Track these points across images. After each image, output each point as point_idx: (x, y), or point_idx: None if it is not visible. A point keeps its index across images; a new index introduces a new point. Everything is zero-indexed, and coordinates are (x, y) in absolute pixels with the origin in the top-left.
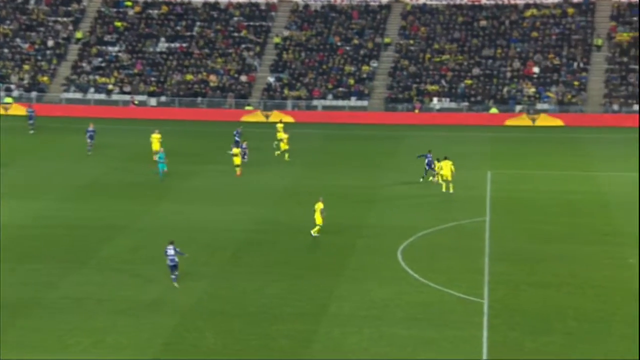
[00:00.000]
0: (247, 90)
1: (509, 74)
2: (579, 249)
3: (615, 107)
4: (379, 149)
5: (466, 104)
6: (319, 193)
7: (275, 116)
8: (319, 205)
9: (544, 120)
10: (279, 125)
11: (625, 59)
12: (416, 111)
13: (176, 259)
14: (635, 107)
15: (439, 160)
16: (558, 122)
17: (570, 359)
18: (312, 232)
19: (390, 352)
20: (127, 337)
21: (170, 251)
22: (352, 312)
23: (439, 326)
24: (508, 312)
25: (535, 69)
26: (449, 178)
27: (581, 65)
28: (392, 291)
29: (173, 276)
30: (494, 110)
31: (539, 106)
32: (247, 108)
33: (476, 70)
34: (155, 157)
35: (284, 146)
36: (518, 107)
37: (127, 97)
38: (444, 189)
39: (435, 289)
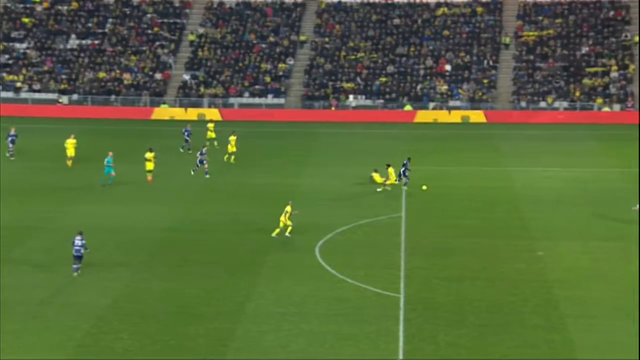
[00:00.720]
0: (162, 88)
1: (422, 72)
2: (491, 242)
3: (523, 104)
4: (296, 146)
5: (381, 101)
6: (235, 191)
7: (192, 113)
8: (289, 208)
9: (456, 117)
10: (210, 125)
11: (531, 57)
12: (332, 108)
13: (82, 251)
14: (542, 103)
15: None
16: (472, 119)
17: (484, 349)
18: (286, 233)
19: (308, 348)
20: (40, 338)
21: (78, 242)
22: (270, 309)
23: (357, 322)
24: (423, 305)
25: (447, 67)
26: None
27: (490, 63)
28: (310, 288)
29: (75, 266)
30: (408, 107)
31: (452, 103)
32: (163, 106)
33: (390, 68)
34: (70, 163)
35: (231, 148)
36: (431, 104)
37: (36, 95)
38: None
39: (352, 284)
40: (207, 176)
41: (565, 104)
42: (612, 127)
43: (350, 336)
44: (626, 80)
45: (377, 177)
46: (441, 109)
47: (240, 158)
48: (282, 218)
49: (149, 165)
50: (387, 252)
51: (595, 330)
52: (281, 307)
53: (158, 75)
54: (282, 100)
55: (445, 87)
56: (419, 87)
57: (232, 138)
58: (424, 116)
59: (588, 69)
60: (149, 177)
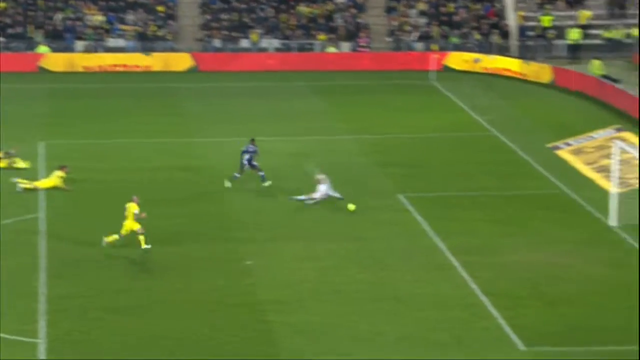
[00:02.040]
0: None
1: None
2: (179, 251)
3: (217, 43)
4: None
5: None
6: None
7: None
8: (133, 207)
9: (115, 61)
10: None
11: None
12: None
13: None
14: (244, 42)
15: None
16: (140, 64)
17: None
18: (106, 239)
19: None
20: None
21: None
22: None
23: None
24: (74, 351)
25: None
26: None
27: None
28: None
29: None
30: (42, 48)
31: (111, 43)
32: None
33: None
34: None
35: None
36: (80, 44)
37: None
38: None
39: None
40: None
41: (276, 42)
42: (341, 76)
43: None
44: (357, 8)
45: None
46: (95, 50)
47: None
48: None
49: None
50: (19, 273)
51: None
52: None
53: None
54: None
55: (100, 17)
56: (56, 16)
57: None
58: (63, 62)
59: None
60: None
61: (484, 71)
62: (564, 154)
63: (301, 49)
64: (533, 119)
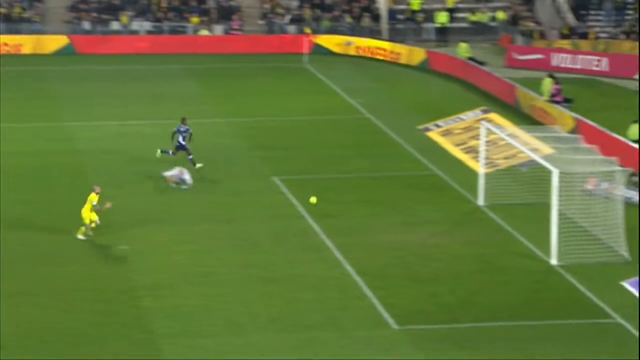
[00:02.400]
0: None
1: None
2: (49, 239)
3: (87, 25)
4: None
5: None
6: None
7: None
8: (92, 198)
9: None
10: None
11: None
12: None
13: None
14: (115, 24)
15: None
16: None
17: None
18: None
19: None
20: None
21: None
22: None
23: None
24: None
25: None
26: None
27: None
28: None
29: None
30: None
31: None
32: None
33: None
34: None
35: None
36: None
37: None
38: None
39: None
40: None
41: (147, 25)
42: (214, 59)
43: None
44: None
45: None
46: None
47: None
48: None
49: None
50: None
51: (200, 354)
52: None
53: None
54: None
55: None
56: None
57: None
58: None
59: None
60: None
61: (356, 54)
62: (434, 135)
63: (173, 31)
64: (404, 101)
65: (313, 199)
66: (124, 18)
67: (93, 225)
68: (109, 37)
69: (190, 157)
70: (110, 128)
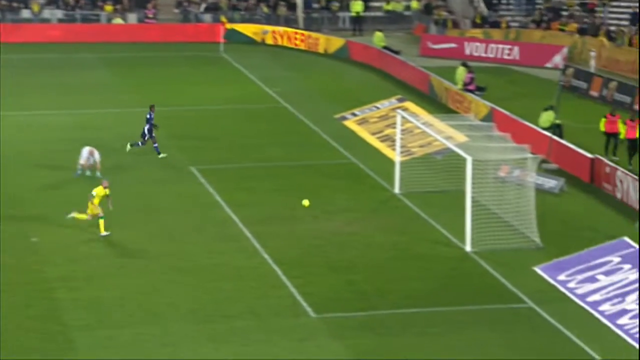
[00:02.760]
0: None
1: None
2: None
3: None
4: None
5: None
6: None
7: None
8: (101, 191)
9: None
10: None
11: None
12: None
13: None
14: (26, 12)
15: None
16: None
17: None
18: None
19: None
20: None
21: None
22: None
23: None
24: None
25: None
26: None
27: None
28: None
29: None
30: None
31: None
32: None
33: None
34: None
35: None
36: None
37: None
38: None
39: None
40: None
41: (59, 13)
42: (129, 47)
43: None
44: None
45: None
46: None
47: None
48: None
49: None
50: None
51: (116, 345)
52: None
53: None
54: None
55: None
56: None
57: None
58: None
59: None
60: None
61: (273, 43)
62: (351, 124)
63: (86, 20)
64: (320, 90)
65: (306, 202)
66: (35, 6)
67: (87, 217)
68: (19, 25)
69: (156, 145)
70: (19, 118)
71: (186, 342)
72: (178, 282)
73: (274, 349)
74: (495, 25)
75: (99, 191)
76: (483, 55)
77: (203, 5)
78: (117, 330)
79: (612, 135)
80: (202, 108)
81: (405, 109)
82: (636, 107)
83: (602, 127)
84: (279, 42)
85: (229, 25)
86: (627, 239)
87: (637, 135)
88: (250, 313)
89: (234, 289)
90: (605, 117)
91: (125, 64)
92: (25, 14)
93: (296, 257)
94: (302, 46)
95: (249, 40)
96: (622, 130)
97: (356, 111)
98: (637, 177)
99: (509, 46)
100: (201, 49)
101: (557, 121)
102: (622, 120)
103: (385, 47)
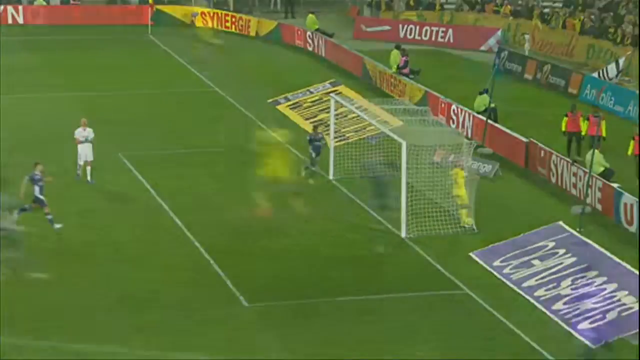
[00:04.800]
0: None
1: None
2: None
3: None
4: None
5: None
6: None
7: None
8: None
9: None
10: None
11: None
12: None
13: None
14: None
15: None
16: None
17: None
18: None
19: None
20: None
21: None
22: None
23: None
24: None
25: None
26: None
27: None
28: None
29: None
30: None
31: None
32: None
33: None
34: None
35: None
36: None
37: None
38: None
39: None
40: None
41: None
42: (52, 30)
43: None
44: None
45: None
46: None
47: None
48: None
49: None
50: None
51: (40, 336)
52: None
53: None
54: None
55: None
56: None
57: None
58: None
59: None
60: None
61: (203, 25)
62: (284, 108)
63: (7, 1)
64: (252, 73)
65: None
66: None
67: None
68: None
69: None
70: None
71: (116, 333)
72: (108, 271)
73: (205, 340)
74: (430, 7)
75: None
76: (417, 38)
77: None
78: (42, 323)
79: (574, 134)
80: (129, 92)
81: (339, 93)
82: (571, 90)
83: (564, 126)
84: (209, 25)
85: (156, 7)
86: (561, 223)
87: (599, 133)
88: (183, 303)
89: (166, 280)
90: (566, 115)
91: (48, 47)
92: None
93: (228, 245)
94: (233, 29)
95: (177, 23)
96: (583, 127)
97: (289, 95)
98: (570, 160)
99: (443, 29)
100: (128, 31)
101: (492, 105)
102: (583, 116)
103: (318, 30)
